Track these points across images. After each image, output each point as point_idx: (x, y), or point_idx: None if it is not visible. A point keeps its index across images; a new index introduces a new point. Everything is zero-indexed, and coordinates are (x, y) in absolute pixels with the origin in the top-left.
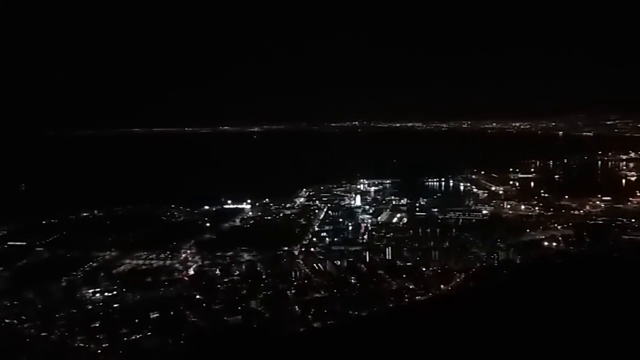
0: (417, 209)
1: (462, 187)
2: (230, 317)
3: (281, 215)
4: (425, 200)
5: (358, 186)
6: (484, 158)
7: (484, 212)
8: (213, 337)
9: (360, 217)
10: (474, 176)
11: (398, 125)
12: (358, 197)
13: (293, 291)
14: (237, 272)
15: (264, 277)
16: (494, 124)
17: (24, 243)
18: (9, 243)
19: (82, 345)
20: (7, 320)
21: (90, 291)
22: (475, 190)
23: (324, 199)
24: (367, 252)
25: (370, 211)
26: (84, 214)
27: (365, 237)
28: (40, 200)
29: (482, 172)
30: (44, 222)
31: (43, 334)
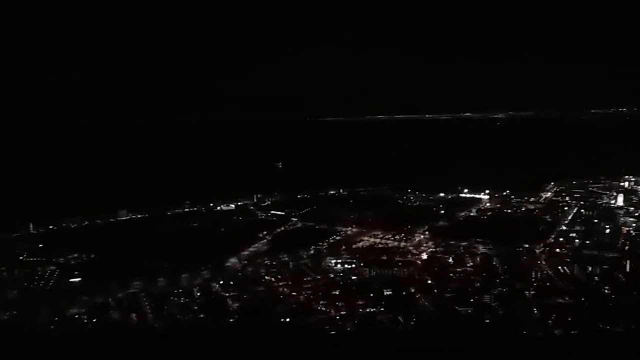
0: None
1: None
2: (461, 308)
3: (523, 209)
4: None
5: (621, 183)
6: None
7: None
8: (442, 323)
9: (622, 219)
10: None
11: None
12: (620, 196)
13: (532, 292)
14: (471, 263)
15: (499, 272)
16: None
17: (282, 213)
18: (271, 212)
19: (323, 309)
20: (266, 277)
21: (333, 261)
22: None
23: (576, 195)
24: (628, 261)
25: (636, 214)
26: (331, 192)
27: (627, 243)
28: (295, 177)
29: None
30: (298, 196)
31: (293, 293)
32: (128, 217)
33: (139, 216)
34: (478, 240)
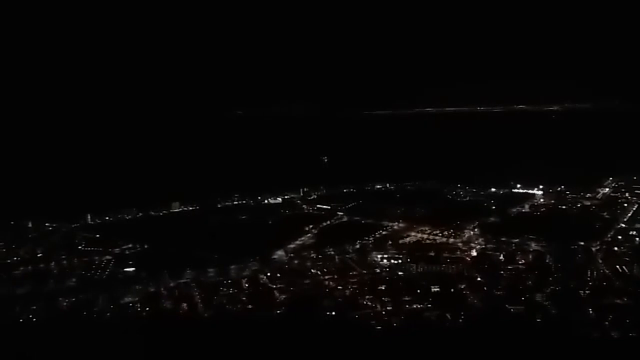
0: None
1: None
2: (511, 306)
3: (579, 205)
4: None
5: None
6: None
7: None
8: (492, 321)
9: None
10: None
11: None
12: None
13: (587, 292)
14: (523, 260)
15: (553, 270)
16: None
17: (328, 207)
18: (317, 206)
19: (369, 303)
20: (312, 270)
21: (379, 256)
22: None
23: (636, 191)
24: None
25: None
26: (378, 186)
27: None
28: (341, 172)
29: None
30: (344, 190)
31: (339, 287)
32: (180, 210)
33: (191, 208)
34: (530, 237)
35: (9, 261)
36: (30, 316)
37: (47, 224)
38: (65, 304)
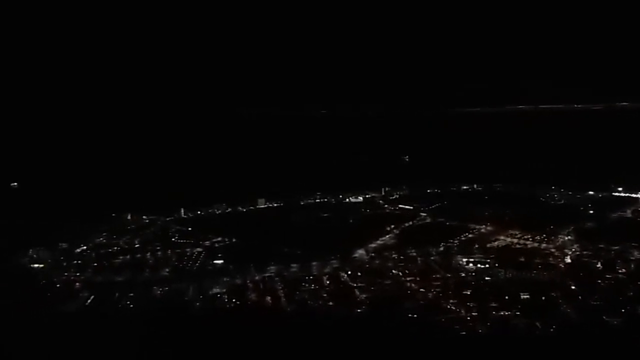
0: None
1: None
2: (609, 318)
3: None
4: None
5: None
6: None
7: None
8: (587, 333)
9: None
10: None
11: None
12: None
13: None
14: (623, 269)
15: None
16: None
17: (411, 207)
18: (400, 206)
19: (453, 308)
20: (394, 271)
21: (464, 260)
22: None
23: None
24: None
25: None
26: (464, 187)
27: None
28: (423, 172)
29: None
30: (428, 190)
31: (421, 289)
32: (266, 206)
33: (275, 205)
34: (633, 244)
35: (110, 250)
36: (128, 302)
37: (144, 217)
38: (159, 292)
